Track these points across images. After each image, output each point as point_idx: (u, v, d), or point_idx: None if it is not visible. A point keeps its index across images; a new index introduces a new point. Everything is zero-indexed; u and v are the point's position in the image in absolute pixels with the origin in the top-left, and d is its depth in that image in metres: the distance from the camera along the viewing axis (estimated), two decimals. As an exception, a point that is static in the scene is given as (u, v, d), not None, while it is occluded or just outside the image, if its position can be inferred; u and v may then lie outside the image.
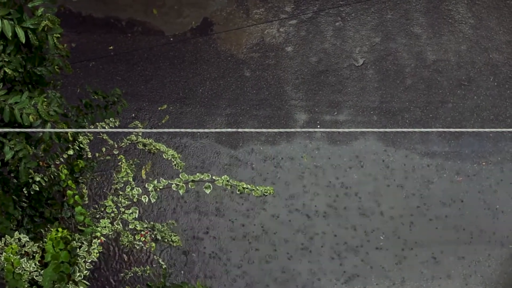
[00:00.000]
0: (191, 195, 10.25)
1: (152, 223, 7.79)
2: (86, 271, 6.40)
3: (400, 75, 11.21)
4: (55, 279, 6.27)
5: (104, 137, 7.91)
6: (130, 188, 6.92)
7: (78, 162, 7.21)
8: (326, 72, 11.16)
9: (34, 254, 6.50)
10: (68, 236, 6.43)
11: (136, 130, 6.09)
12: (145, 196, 6.79)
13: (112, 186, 7.44)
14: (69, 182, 6.92)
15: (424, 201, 10.49)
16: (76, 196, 6.77)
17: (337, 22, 11.51)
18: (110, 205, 6.89)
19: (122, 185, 7.28)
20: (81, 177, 7.40)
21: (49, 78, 6.73)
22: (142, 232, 7.14)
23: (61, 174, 7.00)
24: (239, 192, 6.69)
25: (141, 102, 10.77)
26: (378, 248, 10.26)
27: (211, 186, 6.66)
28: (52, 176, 7.11)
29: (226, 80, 11.02)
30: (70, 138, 6.72)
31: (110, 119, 7.45)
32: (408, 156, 10.72)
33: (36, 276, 6.33)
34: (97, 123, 7.41)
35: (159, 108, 10.77)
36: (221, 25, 11.37)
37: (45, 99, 6.22)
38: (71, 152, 7.14)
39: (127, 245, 7.16)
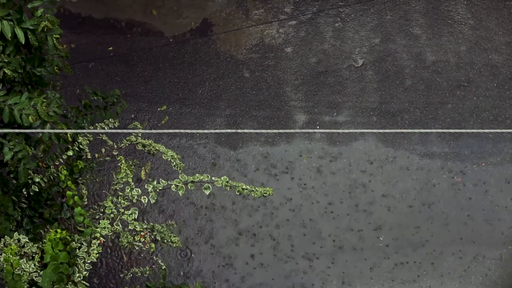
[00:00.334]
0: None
1: (151, 224, 7.79)
2: (85, 272, 6.39)
3: (400, 76, 11.21)
4: (55, 280, 6.27)
5: (103, 138, 7.91)
6: (129, 189, 6.92)
7: (78, 163, 7.21)
8: (326, 73, 11.17)
9: (33, 255, 6.49)
10: (68, 237, 6.43)
11: (136, 131, 6.08)
12: (145, 197, 6.78)
13: (112, 187, 7.43)
14: (69, 183, 6.92)
15: (423, 201, 10.49)
16: (76, 197, 6.77)
17: (337, 23, 11.52)
18: (110, 206, 6.89)
19: (122, 185, 7.28)
20: (80, 178, 7.39)
21: (49, 78, 6.72)
22: (141, 233, 7.14)
23: (60, 175, 6.99)
24: (238, 193, 6.68)
25: (140, 103, 10.77)
26: (378, 249, 10.26)
27: (211, 187, 6.66)
28: (51, 177, 7.11)
29: (225, 81, 11.02)
30: (70, 139, 6.72)
31: (110, 120, 7.45)
32: (408, 156, 10.72)
33: (35, 276, 6.33)
34: (96, 124, 7.40)
35: (158, 109, 10.77)
36: (221, 26, 11.38)
37: (45, 100, 6.22)
38: (70, 153, 7.14)
39: (127, 246, 7.16)
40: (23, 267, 6.29)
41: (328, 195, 10.43)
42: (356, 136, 10.75)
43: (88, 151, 7.37)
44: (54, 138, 6.44)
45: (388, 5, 11.65)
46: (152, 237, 7.62)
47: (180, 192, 6.66)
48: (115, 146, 7.69)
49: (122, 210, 6.89)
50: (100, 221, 6.66)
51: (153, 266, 9.78)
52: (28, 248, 6.48)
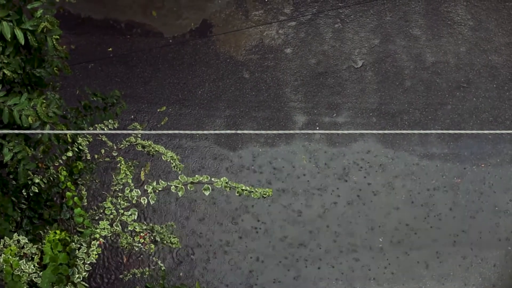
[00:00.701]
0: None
1: (151, 224, 7.79)
2: (85, 273, 6.39)
3: (399, 77, 11.22)
4: (54, 281, 6.27)
5: (103, 139, 7.91)
6: (129, 189, 6.91)
7: (77, 164, 7.21)
8: (325, 74, 11.17)
9: (33, 256, 6.49)
10: (67, 238, 6.43)
11: (135, 131, 6.08)
12: (144, 197, 6.78)
13: (111, 188, 7.43)
14: (68, 183, 6.92)
15: (423, 202, 10.49)
16: (75, 198, 6.77)
17: (336, 24, 11.52)
18: (109, 207, 6.88)
19: (121, 186, 7.27)
20: (80, 179, 7.39)
21: (48, 79, 6.72)
22: (141, 234, 7.14)
23: (60, 175, 6.99)
24: (237, 194, 6.68)
25: (140, 104, 10.77)
26: (378, 250, 10.26)
27: (210, 188, 6.66)
28: (51, 178, 7.11)
29: (225, 82, 11.02)
30: (69, 140, 6.72)
31: (109, 120, 7.45)
32: (407, 158, 10.73)
33: (35, 277, 6.32)
34: (96, 125, 7.40)
35: (158, 110, 10.77)
36: (220, 27, 11.38)
37: (44, 101, 6.22)
38: (70, 153, 7.13)
39: (126, 246, 7.16)
40: (22, 268, 6.29)
41: (327, 195, 10.42)
42: (355, 137, 10.75)
43: (87, 152, 7.36)
44: (53, 139, 6.44)
45: (388, 6, 11.65)
46: (152, 238, 7.62)
47: (180, 193, 6.65)
48: (115, 147, 7.69)
49: (122, 211, 6.89)
50: (100, 222, 6.66)
51: (153, 267, 9.78)
52: (28, 249, 6.47)
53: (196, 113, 10.77)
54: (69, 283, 6.37)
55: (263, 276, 10.02)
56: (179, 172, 7.26)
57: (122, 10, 11.38)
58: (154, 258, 9.79)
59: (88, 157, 7.45)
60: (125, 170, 7.30)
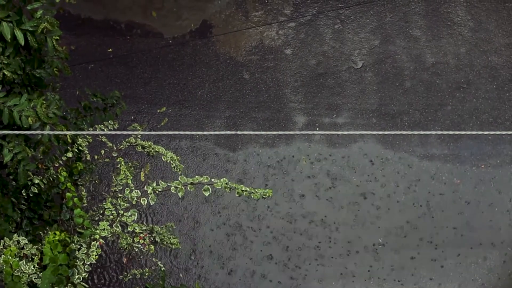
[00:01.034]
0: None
1: (151, 225, 7.79)
2: (84, 274, 6.39)
3: (399, 77, 11.22)
4: (54, 282, 6.27)
5: (103, 140, 7.91)
6: (129, 190, 6.91)
7: (77, 165, 7.21)
8: (325, 75, 11.17)
9: (32, 257, 6.49)
10: (67, 239, 6.43)
11: (135, 132, 6.08)
12: (144, 198, 6.78)
13: (111, 189, 7.43)
14: (68, 184, 6.92)
15: (423, 203, 10.49)
16: (75, 199, 6.76)
17: (336, 24, 11.52)
18: (109, 208, 6.89)
19: (121, 187, 7.27)
20: (80, 180, 7.39)
21: (48, 80, 6.72)
22: (141, 235, 7.14)
23: (60, 176, 6.99)
24: (237, 195, 6.68)
25: (140, 105, 10.77)
26: (377, 251, 10.26)
27: (210, 189, 6.65)
28: (51, 179, 7.11)
29: (225, 83, 11.02)
30: (69, 141, 6.72)
31: (109, 121, 7.45)
32: (407, 158, 10.73)
33: (34, 278, 6.33)
34: (96, 126, 7.40)
35: (158, 111, 10.77)
36: (220, 28, 11.38)
37: (44, 101, 6.22)
38: (70, 154, 7.14)
39: (126, 247, 7.16)
40: (22, 268, 6.29)
41: (327, 196, 10.42)
42: (355, 138, 10.75)
43: (87, 152, 7.36)
44: (53, 139, 6.44)
45: (388, 7, 11.66)
46: (152, 238, 7.62)
47: (180, 194, 6.65)
48: (115, 148, 7.69)
49: (122, 212, 6.89)
50: (100, 223, 6.66)
51: (153, 268, 9.78)
52: (28, 250, 6.47)
53: (196, 114, 10.77)
54: (69, 284, 6.37)
55: (263, 276, 10.02)
56: (179, 173, 7.26)
57: (122, 10, 11.38)
58: (154, 259, 9.79)
59: (88, 158, 7.45)
60: (125, 171, 7.30)
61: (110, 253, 9.92)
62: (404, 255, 10.27)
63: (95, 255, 6.40)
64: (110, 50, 11.12)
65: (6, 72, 6.10)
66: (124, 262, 9.87)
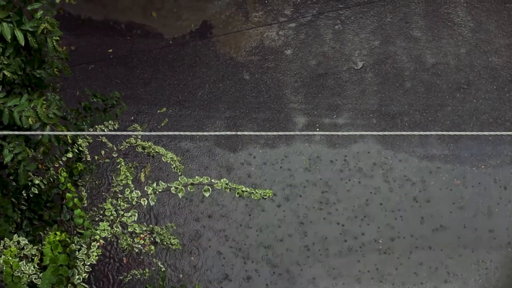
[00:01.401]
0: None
1: (151, 226, 7.79)
2: (85, 274, 6.39)
3: (399, 78, 11.22)
4: (54, 282, 6.27)
5: (103, 140, 7.91)
6: (129, 191, 6.91)
7: (77, 165, 7.21)
8: (325, 75, 11.17)
9: (33, 257, 6.49)
10: (67, 239, 6.43)
11: (135, 133, 6.08)
12: (144, 199, 6.78)
13: (111, 189, 7.43)
14: (68, 185, 6.92)
15: (422, 204, 10.49)
16: (75, 199, 6.76)
17: (337, 25, 11.52)
18: (109, 208, 6.89)
19: (121, 188, 7.27)
20: (80, 180, 7.40)
21: (48, 80, 6.72)
22: (141, 235, 7.14)
23: (60, 177, 6.99)
24: (238, 196, 6.68)
25: (140, 105, 10.77)
26: (377, 251, 10.25)
27: (210, 189, 6.65)
28: (51, 179, 7.11)
29: (225, 83, 11.02)
30: (69, 141, 6.72)
31: (109, 122, 7.45)
32: (407, 159, 10.72)
33: (35, 278, 6.32)
34: (96, 126, 7.41)
35: (158, 111, 10.77)
36: (220, 28, 11.38)
37: (44, 102, 6.22)
38: (70, 155, 7.14)
39: (126, 248, 7.16)
40: (22, 269, 6.29)
41: (327, 197, 10.42)
42: (355, 138, 10.75)
43: (87, 153, 7.37)
44: (54, 140, 6.44)
45: (388, 7, 11.66)
46: (152, 239, 7.62)
47: (180, 194, 6.65)
48: (115, 148, 7.69)
49: (122, 212, 6.89)
50: (100, 223, 6.66)
51: (153, 268, 9.78)
52: (28, 250, 6.47)
53: (196, 115, 10.77)
54: (69, 284, 6.37)
55: (263, 276, 10.02)
56: (179, 173, 7.26)
57: (122, 11, 11.39)
58: (154, 259, 9.79)
59: (88, 158, 7.45)
60: (125, 172, 7.30)
61: (110, 253, 9.92)
62: (404, 255, 10.26)
63: (95, 256, 6.40)
64: (110, 50, 11.12)
65: (6, 73, 6.10)
66: (124, 262, 9.88)
